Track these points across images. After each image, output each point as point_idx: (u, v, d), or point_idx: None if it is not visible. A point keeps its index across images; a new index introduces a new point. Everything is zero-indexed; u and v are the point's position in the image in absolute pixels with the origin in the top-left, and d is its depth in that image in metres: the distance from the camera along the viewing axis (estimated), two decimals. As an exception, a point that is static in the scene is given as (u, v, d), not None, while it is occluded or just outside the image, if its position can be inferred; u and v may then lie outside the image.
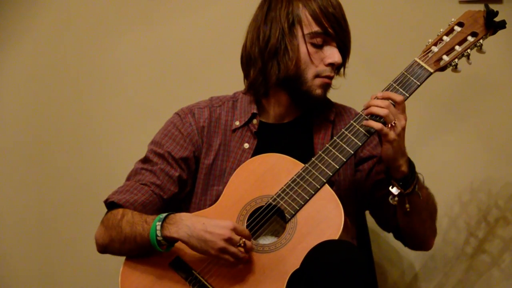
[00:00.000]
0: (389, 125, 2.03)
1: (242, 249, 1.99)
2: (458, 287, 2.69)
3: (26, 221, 2.83)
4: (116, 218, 2.12)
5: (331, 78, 2.19)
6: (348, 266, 1.90)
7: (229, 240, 1.98)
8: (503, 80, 2.67)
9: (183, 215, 2.04)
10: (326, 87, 2.20)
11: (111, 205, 2.18)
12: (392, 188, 2.09)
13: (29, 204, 2.83)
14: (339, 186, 2.22)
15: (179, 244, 2.05)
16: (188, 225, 2.01)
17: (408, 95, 2.07)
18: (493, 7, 2.11)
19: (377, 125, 2.04)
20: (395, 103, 2.05)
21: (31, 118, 2.84)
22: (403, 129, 2.05)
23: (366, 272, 1.95)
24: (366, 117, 2.08)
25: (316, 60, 2.16)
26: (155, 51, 2.80)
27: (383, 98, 2.06)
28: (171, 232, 2.02)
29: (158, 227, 2.02)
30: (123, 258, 2.11)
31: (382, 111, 2.04)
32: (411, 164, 2.09)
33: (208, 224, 2.00)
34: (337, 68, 2.20)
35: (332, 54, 2.16)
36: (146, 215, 2.10)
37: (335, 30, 2.15)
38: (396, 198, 2.09)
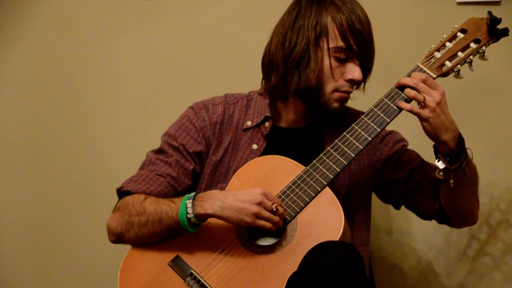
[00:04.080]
0: (420, 104, 2.02)
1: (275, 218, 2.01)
2: (460, 290, 2.70)
3: (24, 221, 2.84)
4: (138, 200, 2.11)
5: (349, 93, 2.17)
6: (345, 267, 1.90)
7: (261, 204, 1.99)
8: (504, 83, 2.66)
9: (214, 191, 2.06)
10: (344, 101, 2.18)
11: (125, 194, 2.18)
12: (438, 161, 2.07)
13: (27, 204, 2.83)
14: (351, 193, 2.22)
15: (180, 242, 2.07)
16: (220, 198, 2.02)
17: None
18: (491, 8, 2.11)
19: (406, 105, 2.04)
20: (422, 81, 2.04)
21: (28, 118, 2.84)
22: (438, 103, 2.02)
23: (364, 273, 1.95)
24: (366, 119, 2.07)
25: (336, 75, 2.14)
26: (154, 52, 2.80)
27: (404, 85, 2.06)
28: (204, 209, 2.02)
29: (189, 205, 2.02)
30: (122, 257, 2.11)
31: (409, 93, 2.04)
32: (460, 140, 2.06)
33: (239, 194, 2.02)
34: (357, 83, 2.18)
35: (353, 70, 2.14)
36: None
37: (359, 47, 2.13)
38: (441, 173, 2.06)
